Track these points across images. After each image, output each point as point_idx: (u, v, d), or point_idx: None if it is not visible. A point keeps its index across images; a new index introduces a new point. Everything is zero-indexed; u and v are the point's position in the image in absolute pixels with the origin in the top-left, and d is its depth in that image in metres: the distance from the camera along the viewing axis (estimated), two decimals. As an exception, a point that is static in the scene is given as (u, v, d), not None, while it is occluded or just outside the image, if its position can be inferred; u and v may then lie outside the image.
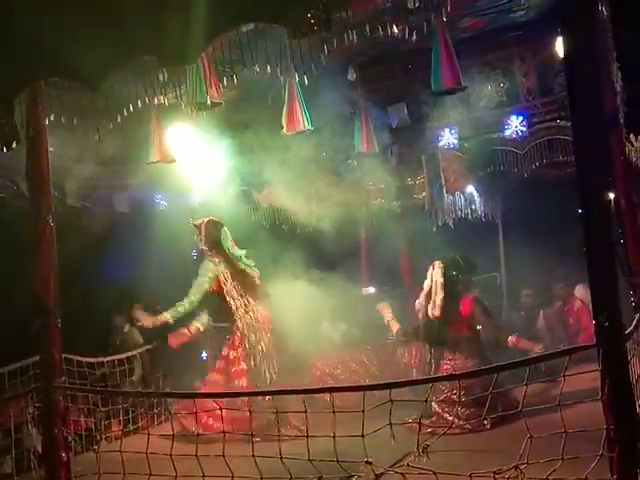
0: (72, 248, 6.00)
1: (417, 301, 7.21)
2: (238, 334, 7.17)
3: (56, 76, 4.39)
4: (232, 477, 3.61)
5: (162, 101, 6.10)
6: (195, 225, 7.42)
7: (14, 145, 4.83)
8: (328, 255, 8.88)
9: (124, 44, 3.86)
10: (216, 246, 7.29)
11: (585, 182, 3.03)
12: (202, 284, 7.10)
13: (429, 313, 6.82)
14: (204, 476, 3.71)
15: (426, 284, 6.97)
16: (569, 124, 3.23)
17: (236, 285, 7.23)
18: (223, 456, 3.66)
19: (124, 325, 8.61)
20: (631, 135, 6.29)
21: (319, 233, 8.91)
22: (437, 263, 6.97)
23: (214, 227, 7.38)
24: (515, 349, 6.59)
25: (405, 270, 9.26)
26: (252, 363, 7.07)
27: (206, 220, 7.38)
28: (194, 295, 7.04)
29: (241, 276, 7.31)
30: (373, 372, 8.16)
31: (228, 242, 7.35)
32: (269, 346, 7.20)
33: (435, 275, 6.90)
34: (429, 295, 6.90)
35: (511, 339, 6.65)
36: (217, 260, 7.23)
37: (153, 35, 3.78)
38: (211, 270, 7.16)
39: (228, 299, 7.15)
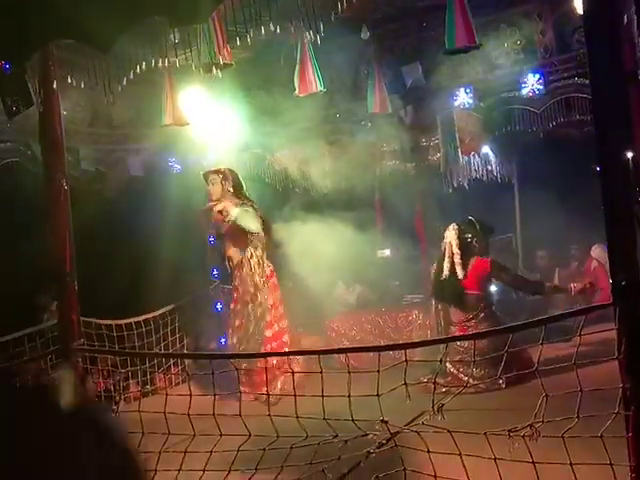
0: (87, 212, 6.03)
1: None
2: (240, 290, 7.09)
3: (66, 38, 4.35)
4: (249, 435, 3.66)
5: (174, 63, 6.06)
6: (216, 171, 7.23)
7: (27, 108, 4.84)
8: (342, 217, 8.85)
9: (135, 4, 3.81)
10: (239, 193, 7.19)
11: (603, 140, 2.98)
12: (253, 220, 6.95)
13: (443, 272, 6.86)
14: (222, 435, 3.76)
15: (442, 246, 7.02)
16: (587, 81, 3.18)
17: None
18: (240, 415, 3.70)
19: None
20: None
21: (333, 195, 8.88)
22: (452, 225, 6.99)
23: (234, 173, 7.29)
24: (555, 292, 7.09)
25: (420, 232, 9.23)
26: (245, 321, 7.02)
27: (225, 167, 7.28)
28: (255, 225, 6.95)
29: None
30: (388, 333, 8.21)
31: (245, 190, 7.28)
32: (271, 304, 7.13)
33: (449, 237, 6.92)
34: (444, 256, 6.93)
35: (548, 285, 6.91)
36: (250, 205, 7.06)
37: (164, -5, 3.73)
38: (254, 216, 7.01)
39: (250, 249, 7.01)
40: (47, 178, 4.61)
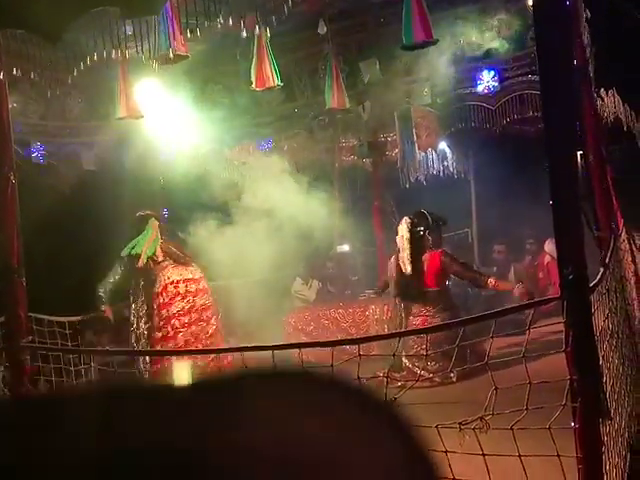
0: (37, 206, 5.89)
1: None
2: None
3: (14, 28, 4.25)
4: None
5: (127, 54, 5.94)
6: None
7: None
8: (301, 212, 8.84)
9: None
10: None
11: (552, 137, 3.00)
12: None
13: (403, 269, 6.82)
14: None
15: (397, 240, 6.98)
16: (539, 78, 3.20)
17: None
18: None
19: None
20: (602, 90, 6.27)
21: (290, 189, 8.85)
22: (404, 219, 6.94)
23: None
24: (495, 290, 6.86)
25: (377, 227, 9.27)
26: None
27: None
28: None
29: None
30: (345, 328, 8.21)
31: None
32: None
33: (401, 230, 6.87)
34: (399, 251, 6.91)
35: (490, 281, 6.68)
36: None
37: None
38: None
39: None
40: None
